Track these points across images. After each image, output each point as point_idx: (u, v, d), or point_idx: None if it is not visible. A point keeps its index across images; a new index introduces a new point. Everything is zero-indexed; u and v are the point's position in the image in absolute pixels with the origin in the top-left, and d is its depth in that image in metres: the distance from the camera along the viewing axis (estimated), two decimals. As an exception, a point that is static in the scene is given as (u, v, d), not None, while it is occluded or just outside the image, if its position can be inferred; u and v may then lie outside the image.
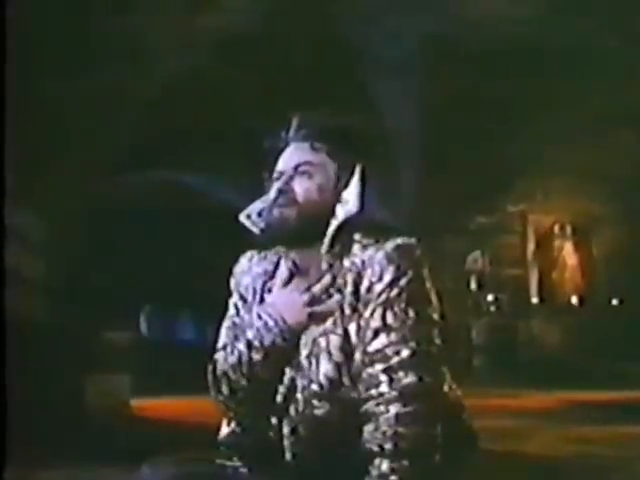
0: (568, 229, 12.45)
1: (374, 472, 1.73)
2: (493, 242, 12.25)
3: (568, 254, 12.47)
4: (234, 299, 2.02)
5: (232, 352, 1.89)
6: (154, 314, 10.04)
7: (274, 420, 1.87)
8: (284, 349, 1.86)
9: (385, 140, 8.95)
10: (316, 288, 1.86)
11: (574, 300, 12.28)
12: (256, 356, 1.86)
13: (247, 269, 2.02)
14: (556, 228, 12.45)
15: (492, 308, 12.13)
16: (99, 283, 7.57)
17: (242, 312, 1.98)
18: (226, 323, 2.01)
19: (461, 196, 11.10)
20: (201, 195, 10.72)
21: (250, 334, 1.87)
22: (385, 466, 1.73)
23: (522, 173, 11.60)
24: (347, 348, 1.82)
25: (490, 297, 12.14)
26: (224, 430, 1.98)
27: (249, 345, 1.87)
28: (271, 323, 1.86)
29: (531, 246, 12.47)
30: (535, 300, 12.34)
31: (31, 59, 6.64)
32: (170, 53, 8.08)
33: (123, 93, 8.01)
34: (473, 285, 12.19)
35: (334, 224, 1.88)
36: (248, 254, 2.04)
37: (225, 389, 1.89)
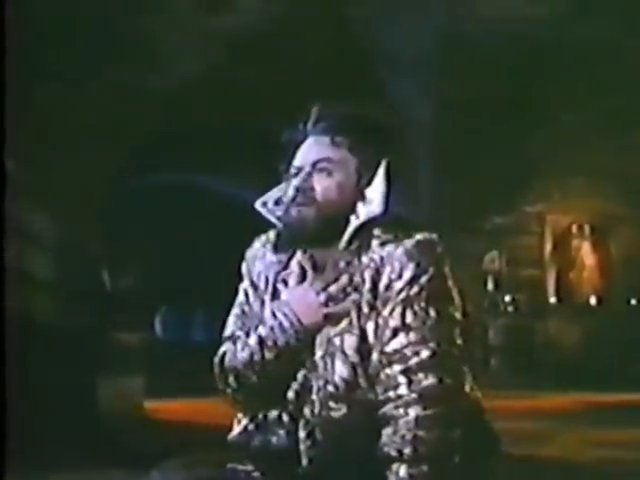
0: (586, 229, 12.35)
1: (392, 478, 1.67)
2: (510, 242, 12.16)
3: (586, 254, 12.38)
4: (244, 284, 1.95)
5: (243, 348, 1.83)
6: (169, 315, 10.02)
7: (289, 423, 1.80)
8: (298, 348, 1.80)
9: (402, 139, 8.90)
10: (333, 288, 1.80)
11: (592, 300, 12.18)
12: (269, 354, 1.80)
13: (261, 255, 1.94)
14: (574, 228, 12.35)
15: (509, 308, 12.05)
16: (112, 284, 7.53)
17: (252, 299, 1.92)
18: (235, 310, 1.95)
19: (478, 196, 11.02)
20: (216, 195, 10.70)
21: (263, 332, 1.82)
22: (403, 472, 1.67)
23: (539, 173, 11.52)
24: (364, 348, 1.76)
25: (507, 297, 12.06)
26: (235, 429, 1.91)
27: (261, 342, 1.81)
28: (286, 324, 1.80)
29: (548, 246, 12.38)
30: (553, 300, 12.25)
31: (45, 58, 6.63)
32: (184, 53, 8.05)
33: (137, 93, 7.99)
34: (490, 285, 12.12)
35: (355, 223, 1.81)
36: (263, 238, 1.95)
37: (233, 382, 1.83)
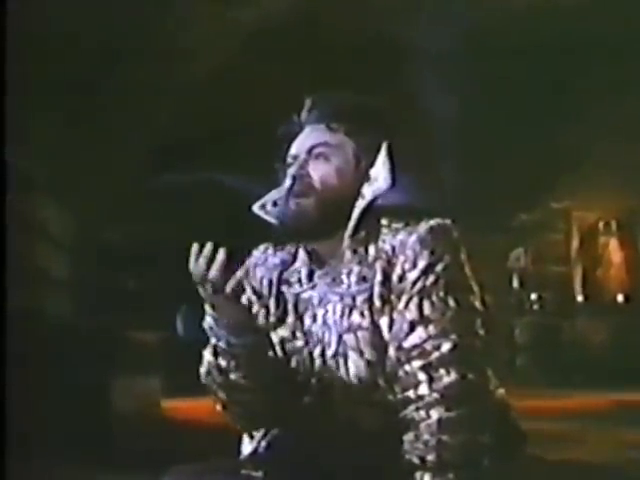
0: (613, 225, 12.21)
1: None
2: (536, 239, 12.07)
3: (613, 251, 12.23)
4: (247, 294, 1.81)
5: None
6: (191, 314, 9.90)
7: (306, 427, 1.71)
8: (308, 351, 1.72)
9: (424, 135, 8.78)
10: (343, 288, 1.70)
11: (620, 298, 12.02)
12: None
13: (262, 261, 1.85)
14: (601, 225, 12.22)
15: (535, 307, 11.94)
16: (129, 283, 7.50)
17: (256, 307, 1.81)
18: None
19: (503, 193, 10.91)
20: (236, 194, 10.61)
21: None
22: None
23: (566, 169, 11.37)
24: (379, 344, 1.64)
25: (533, 296, 11.95)
26: (247, 447, 1.81)
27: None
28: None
29: (575, 243, 12.26)
30: (580, 298, 12.12)
31: (62, 55, 6.59)
32: (204, 49, 8.00)
33: (154, 91, 7.95)
34: (516, 283, 12.03)
35: (361, 205, 1.70)
36: (262, 247, 1.87)
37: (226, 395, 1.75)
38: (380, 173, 1.71)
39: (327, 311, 1.71)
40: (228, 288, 1.60)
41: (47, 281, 6.10)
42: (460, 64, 8.79)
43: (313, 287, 1.75)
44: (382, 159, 1.72)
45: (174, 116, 8.38)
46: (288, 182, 1.74)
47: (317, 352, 1.71)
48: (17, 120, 5.02)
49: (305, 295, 1.76)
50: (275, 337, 1.75)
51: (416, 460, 1.55)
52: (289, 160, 1.77)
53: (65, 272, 6.68)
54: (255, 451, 1.78)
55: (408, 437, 1.58)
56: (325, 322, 1.71)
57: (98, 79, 7.18)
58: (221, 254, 1.60)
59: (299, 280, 1.77)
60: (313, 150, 1.74)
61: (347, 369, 1.67)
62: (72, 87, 6.88)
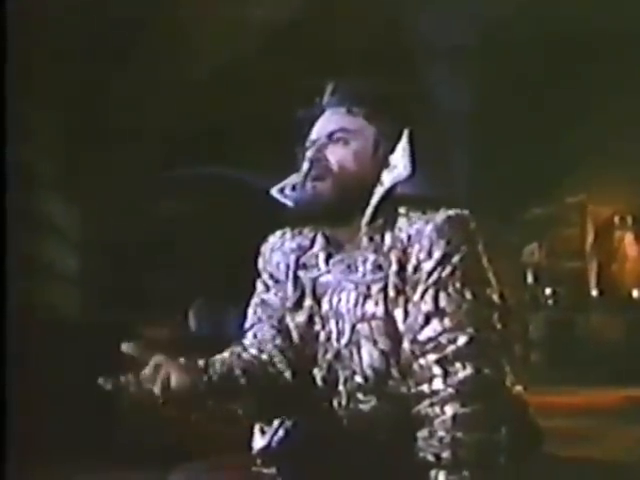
0: (629, 220, 12.13)
1: None
2: (550, 234, 11.99)
3: (629, 245, 12.15)
4: (263, 278, 1.83)
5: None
6: (203, 309, 9.88)
7: (318, 420, 1.69)
8: (325, 337, 1.70)
9: (437, 125, 8.73)
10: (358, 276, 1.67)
11: (635, 293, 11.94)
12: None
13: (278, 246, 1.83)
14: (616, 219, 12.13)
15: (550, 302, 11.87)
16: (140, 278, 7.48)
17: (273, 291, 1.80)
18: (254, 300, 1.84)
19: (517, 186, 10.85)
20: (251, 189, 10.58)
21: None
22: (442, 479, 1.49)
23: (580, 162, 11.29)
24: (393, 334, 1.60)
25: (548, 291, 11.88)
26: (258, 442, 1.78)
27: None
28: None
29: (590, 238, 12.18)
30: (595, 293, 12.03)
31: (76, 49, 6.58)
32: (219, 42, 7.98)
33: (169, 85, 7.93)
34: (530, 278, 11.95)
35: (379, 192, 1.67)
36: (278, 232, 1.86)
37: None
38: (400, 160, 1.68)
39: (341, 299, 1.68)
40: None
41: (53, 276, 6.08)
42: (476, 56, 8.76)
43: (329, 272, 1.73)
44: (403, 146, 1.69)
45: (182, 110, 8.36)
46: (306, 166, 1.72)
47: (332, 339, 1.68)
48: (20, 115, 5.01)
49: (323, 279, 1.73)
50: (292, 323, 1.74)
51: (430, 458, 1.51)
52: (308, 144, 1.76)
53: (73, 268, 6.66)
54: (268, 445, 1.74)
55: (422, 434, 1.53)
56: (339, 310, 1.68)
57: (112, 72, 7.17)
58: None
59: (317, 264, 1.74)
60: (333, 135, 1.72)
61: (360, 359, 1.63)
62: (86, 80, 6.87)
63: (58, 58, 6.41)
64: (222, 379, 1.65)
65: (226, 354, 1.79)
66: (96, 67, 6.92)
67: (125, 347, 1.59)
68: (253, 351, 1.79)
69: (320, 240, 1.76)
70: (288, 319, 1.76)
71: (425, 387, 1.54)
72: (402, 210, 1.67)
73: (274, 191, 1.80)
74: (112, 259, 7.30)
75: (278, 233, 1.87)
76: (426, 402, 1.54)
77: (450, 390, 1.52)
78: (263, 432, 1.77)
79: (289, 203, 1.76)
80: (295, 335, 1.74)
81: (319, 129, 1.76)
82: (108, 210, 7.43)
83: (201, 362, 1.69)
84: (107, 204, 7.38)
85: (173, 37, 7.50)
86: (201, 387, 1.61)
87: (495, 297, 1.62)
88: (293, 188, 1.77)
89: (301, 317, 1.74)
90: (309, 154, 1.73)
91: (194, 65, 7.98)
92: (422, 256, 1.60)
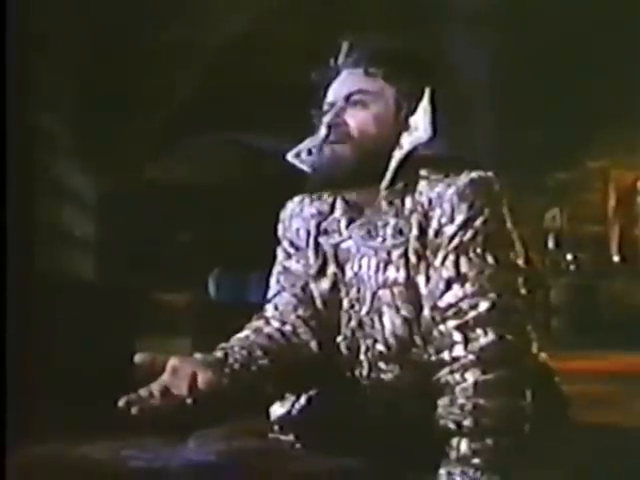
0: (651, 185, 12.03)
1: (452, 454, 1.45)
2: (572, 199, 11.90)
3: (651, 210, 12.06)
4: (284, 245, 1.79)
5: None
6: (224, 276, 9.89)
7: (339, 389, 1.66)
8: (349, 304, 1.67)
9: (459, 93, 8.64)
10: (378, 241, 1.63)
11: (657, 258, 11.87)
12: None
13: (297, 212, 1.79)
14: (639, 184, 12.02)
15: (571, 267, 11.80)
16: (159, 244, 7.49)
17: (295, 258, 1.76)
18: (276, 269, 1.80)
19: (539, 151, 10.75)
20: (267, 154, 10.53)
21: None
22: (465, 446, 1.44)
23: (603, 127, 11.17)
24: (416, 300, 1.56)
25: (569, 256, 11.80)
26: (277, 409, 1.75)
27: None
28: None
29: (612, 203, 12.07)
30: (616, 259, 11.95)
31: (89, 15, 6.54)
32: (232, 5, 7.90)
33: (185, 50, 7.87)
34: (551, 244, 11.87)
35: (399, 155, 1.61)
36: (297, 198, 1.82)
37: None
38: (420, 122, 1.62)
39: (361, 265, 1.64)
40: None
41: (73, 242, 6.08)
42: (496, 19, 8.65)
43: (350, 237, 1.68)
44: (424, 106, 1.63)
45: (197, 75, 8.31)
46: (324, 131, 1.66)
47: (355, 307, 1.65)
48: (39, 84, 4.97)
49: (344, 245, 1.69)
50: (316, 290, 1.71)
51: (452, 425, 1.47)
52: (326, 107, 1.70)
53: (91, 234, 6.67)
54: (288, 413, 1.72)
55: (443, 401, 1.50)
56: (361, 276, 1.64)
57: (126, 38, 7.11)
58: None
59: (338, 229, 1.70)
60: (351, 97, 1.66)
61: (383, 326, 1.60)
62: (100, 46, 6.83)
63: (73, 26, 6.37)
64: (244, 367, 1.59)
65: (245, 332, 1.74)
66: (111, 34, 6.87)
67: (138, 358, 1.52)
68: (275, 323, 1.76)
69: (341, 205, 1.71)
70: (312, 286, 1.72)
71: (446, 354, 1.51)
72: (423, 173, 1.62)
73: (290, 156, 1.74)
74: (130, 227, 7.31)
75: (297, 199, 1.82)
76: (446, 369, 1.50)
77: (471, 357, 1.48)
78: (282, 399, 1.75)
79: (306, 168, 1.72)
80: (319, 303, 1.71)
81: (336, 91, 1.69)
82: (127, 176, 7.42)
83: (219, 353, 1.63)
84: (124, 170, 7.37)
85: (187, 1, 7.43)
86: (225, 381, 1.55)
87: (520, 261, 1.57)
88: (309, 152, 1.71)
89: (325, 284, 1.70)
90: (327, 119, 1.67)
91: (209, 30, 7.90)
92: (444, 220, 1.55)
